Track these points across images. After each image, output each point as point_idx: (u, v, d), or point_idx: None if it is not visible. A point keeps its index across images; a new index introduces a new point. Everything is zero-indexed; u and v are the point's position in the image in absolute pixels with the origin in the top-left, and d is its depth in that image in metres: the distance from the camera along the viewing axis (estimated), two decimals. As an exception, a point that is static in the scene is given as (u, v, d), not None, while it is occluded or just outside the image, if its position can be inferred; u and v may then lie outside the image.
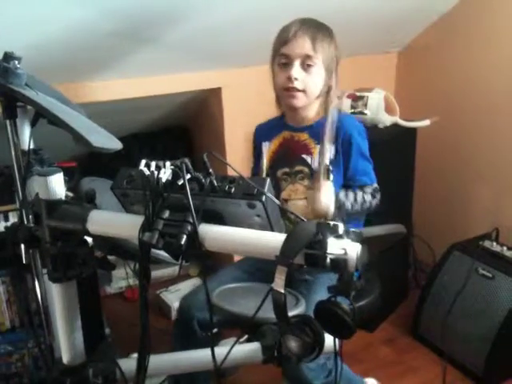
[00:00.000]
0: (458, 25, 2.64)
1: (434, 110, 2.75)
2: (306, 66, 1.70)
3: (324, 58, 1.70)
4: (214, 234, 0.97)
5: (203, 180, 0.99)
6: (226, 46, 2.29)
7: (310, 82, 1.71)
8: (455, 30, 2.67)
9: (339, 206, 1.68)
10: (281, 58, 1.73)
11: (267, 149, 1.93)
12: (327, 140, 1.69)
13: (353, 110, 2.47)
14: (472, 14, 2.56)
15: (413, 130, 2.63)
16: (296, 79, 1.69)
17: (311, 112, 1.81)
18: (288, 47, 1.69)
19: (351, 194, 1.75)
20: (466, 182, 2.78)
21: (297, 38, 1.68)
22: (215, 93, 2.62)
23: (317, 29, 1.70)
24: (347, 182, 1.81)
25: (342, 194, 1.72)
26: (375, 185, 1.82)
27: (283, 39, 1.71)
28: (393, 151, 2.38)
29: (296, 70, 1.69)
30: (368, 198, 1.77)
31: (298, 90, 1.72)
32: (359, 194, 1.76)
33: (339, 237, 0.87)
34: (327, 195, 1.61)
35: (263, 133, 1.97)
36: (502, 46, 2.45)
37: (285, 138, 1.88)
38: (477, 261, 2.30)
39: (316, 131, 1.78)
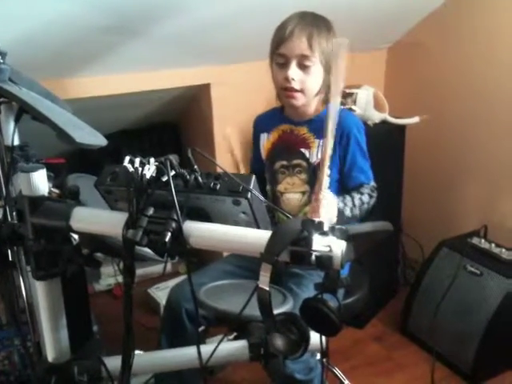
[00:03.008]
0: (448, 21, 2.64)
1: (424, 107, 2.75)
2: (303, 65, 1.68)
3: (322, 55, 1.68)
4: (199, 231, 0.96)
5: (188, 177, 0.98)
6: (215, 42, 2.28)
7: (307, 81, 1.70)
8: (445, 26, 2.66)
9: (338, 214, 1.66)
10: (278, 58, 1.71)
11: (265, 140, 1.93)
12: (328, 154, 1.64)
13: (341, 107, 2.46)
14: (462, 11, 2.56)
15: (402, 127, 2.63)
16: (293, 79, 1.69)
17: (311, 108, 1.81)
18: (284, 47, 1.68)
19: (349, 199, 1.72)
20: (454, 179, 2.79)
21: (293, 38, 1.66)
22: (204, 89, 2.61)
23: (313, 25, 1.67)
24: (343, 179, 1.81)
25: (339, 201, 1.69)
26: (372, 183, 1.81)
27: (279, 38, 1.69)
28: (382, 148, 2.38)
29: (293, 71, 1.68)
30: (365, 198, 1.75)
31: (296, 90, 1.71)
32: (356, 196, 1.74)
33: (324, 234, 0.86)
34: (329, 208, 1.59)
35: (262, 124, 1.97)
36: (493, 42, 2.45)
37: (284, 131, 1.88)
38: (465, 258, 2.31)
39: (315, 126, 1.80)
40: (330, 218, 1.57)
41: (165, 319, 1.83)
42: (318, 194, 1.57)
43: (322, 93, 1.77)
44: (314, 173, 1.79)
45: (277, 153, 1.89)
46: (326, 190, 1.63)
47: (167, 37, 2.09)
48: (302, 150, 1.82)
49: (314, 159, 1.79)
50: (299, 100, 1.74)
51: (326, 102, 1.82)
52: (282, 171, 1.87)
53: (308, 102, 1.77)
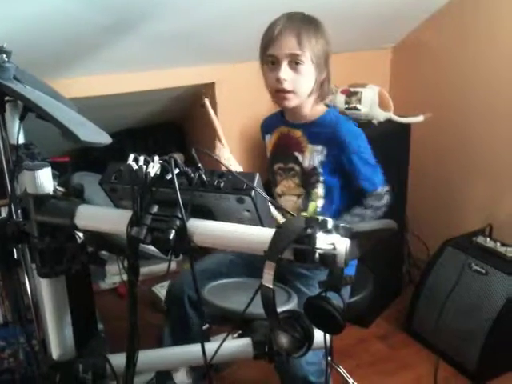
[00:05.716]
0: (453, 20, 2.63)
1: (429, 105, 2.74)
2: (294, 65, 1.66)
3: (312, 54, 1.65)
4: (203, 228, 0.96)
5: (192, 175, 0.98)
6: (219, 40, 2.28)
7: (299, 81, 1.68)
8: (450, 25, 2.66)
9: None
10: (268, 59, 1.69)
11: (269, 141, 1.94)
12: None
13: (347, 106, 2.46)
14: (467, 10, 2.55)
15: (407, 126, 2.63)
16: (285, 80, 1.66)
17: (305, 109, 1.78)
18: (274, 48, 1.65)
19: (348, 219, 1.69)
20: (459, 178, 2.78)
21: (281, 38, 1.63)
22: (209, 88, 2.60)
23: (302, 24, 1.65)
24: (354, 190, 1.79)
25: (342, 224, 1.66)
26: (379, 189, 1.75)
27: (268, 39, 1.67)
28: (387, 147, 2.37)
29: (284, 71, 1.65)
30: (368, 212, 1.71)
31: (288, 91, 1.69)
32: (358, 210, 1.72)
33: (328, 232, 0.86)
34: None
35: (267, 125, 1.98)
36: (497, 41, 2.44)
37: (282, 133, 1.88)
38: (470, 256, 2.31)
39: (310, 130, 1.78)
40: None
41: (168, 305, 1.84)
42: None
43: (315, 93, 1.74)
44: (306, 177, 1.79)
45: (276, 155, 1.90)
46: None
47: (172, 36, 2.09)
48: (296, 153, 1.81)
49: (306, 164, 1.78)
50: (292, 101, 1.71)
51: (321, 102, 1.80)
52: (280, 173, 1.87)
53: (301, 102, 1.74)
